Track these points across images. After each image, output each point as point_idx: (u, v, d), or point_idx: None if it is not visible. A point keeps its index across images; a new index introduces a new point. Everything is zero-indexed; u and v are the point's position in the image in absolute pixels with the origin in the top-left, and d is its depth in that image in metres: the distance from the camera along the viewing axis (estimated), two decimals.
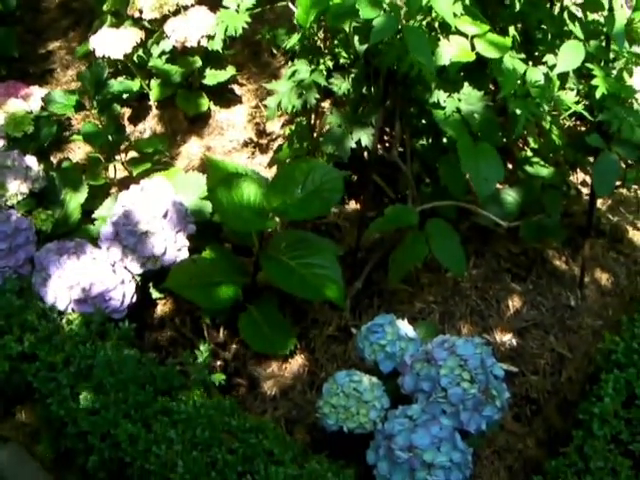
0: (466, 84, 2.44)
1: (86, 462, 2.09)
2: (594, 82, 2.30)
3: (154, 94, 3.43)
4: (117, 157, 2.95)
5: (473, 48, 2.31)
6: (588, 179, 2.98)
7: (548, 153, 2.75)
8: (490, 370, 2.07)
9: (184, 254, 2.51)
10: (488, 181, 2.29)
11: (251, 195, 2.33)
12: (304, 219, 2.77)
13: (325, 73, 2.57)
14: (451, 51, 2.28)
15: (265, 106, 2.82)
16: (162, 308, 2.69)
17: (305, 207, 2.31)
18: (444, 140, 2.61)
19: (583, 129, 2.90)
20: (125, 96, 3.31)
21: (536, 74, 2.36)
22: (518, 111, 2.32)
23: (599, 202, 3.19)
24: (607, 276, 2.90)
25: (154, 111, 3.54)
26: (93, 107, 2.84)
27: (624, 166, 2.63)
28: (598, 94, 2.29)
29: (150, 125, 3.50)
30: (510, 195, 2.71)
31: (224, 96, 3.58)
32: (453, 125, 2.35)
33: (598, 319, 2.74)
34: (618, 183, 2.67)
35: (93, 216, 2.75)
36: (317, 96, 2.57)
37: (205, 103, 3.44)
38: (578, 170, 2.87)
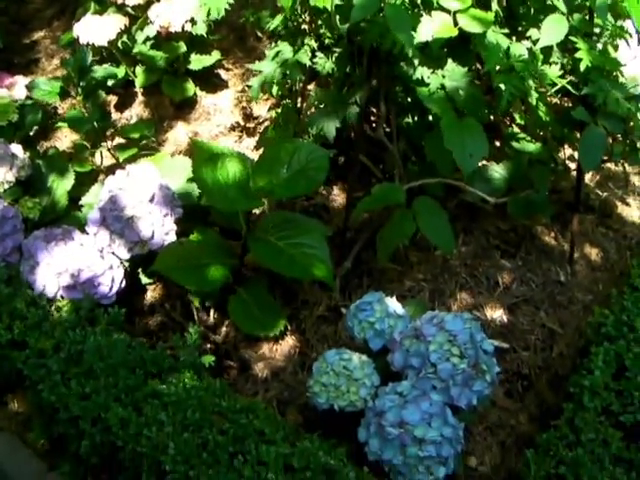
0: (450, 60, 2.43)
1: (78, 448, 2.09)
2: (578, 55, 2.29)
3: (139, 80, 3.42)
4: (103, 143, 2.94)
5: (456, 24, 2.30)
6: (576, 154, 2.96)
7: (535, 129, 2.75)
8: (479, 345, 2.07)
9: (172, 238, 2.50)
10: (473, 157, 2.28)
11: (237, 175, 2.32)
12: (290, 198, 2.78)
13: (310, 54, 2.56)
14: (433, 27, 2.26)
15: (250, 87, 2.80)
16: (152, 293, 2.69)
17: (291, 186, 2.31)
18: (430, 118, 2.61)
19: (570, 105, 2.90)
20: (111, 83, 3.34)
21: (520, 49, 2.35)
22: (502, 86, 2.31)
23: (588, 178, 3.19)
24: (597, 251, 2.90)
25: (140, 98, 3.53)
26: (78, 94, 2.83)
27: (611, 140, 2.63)
28: (582, 67, 2.28)
29: (136, 112, 3.50)
30: (497, 172, 2.71)
31: (210, 81, 3.57)
32: (437, 102, 2.34)
33: (588, 294, 2.74)
34: (605, 158, 2.67)
35: (80, 203, 2.74)
36: (301, 76, 2.57)
37: (191, 88, 3.43)
38: (566, 146, 2.86)
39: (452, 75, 2.39)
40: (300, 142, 2.41)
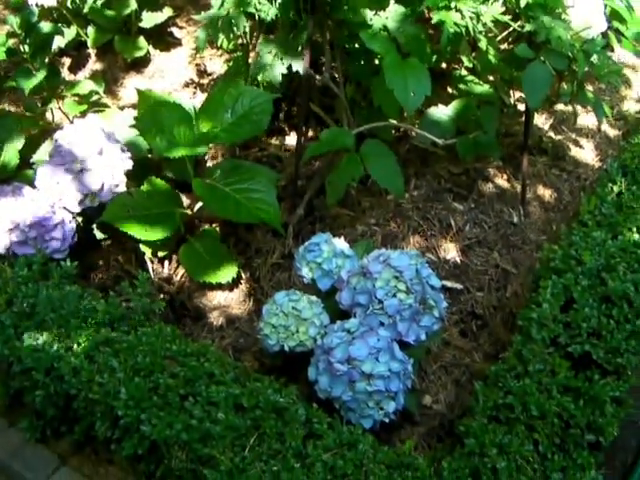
0: (393, 1, 2.42)
1: (35, 400, 2.09)
2: None
3: (91, 41, 3.41)
4: (54, 102, 2.92)
5: None
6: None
7: (484, 72, 2.75)
8: (426, 281, 2.08)
9: (122, 189, 2.50)
10: (415, 95, 2.29)
11: (181, 121, 2.32)
12: (234, 142, 2.79)
13: (255, 1, 2.55)
14: None
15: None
16: (107, 249, 2.68)
17: (235, 131, 2.31)
18: (376, 62, 2.61)
19: None
20: (63, 45, 3.31)
21: None
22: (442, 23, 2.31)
23: (541, 122, 3.21)
24: (550, 192, 2.92)
25: (93, 58, 3.52)
26: (24, 52, 2.80)
27: (559, 82, 2.64)
28: (522, 2, 2.29)
29: (90, 72, 3.48)
30: (446, 114, 2.72)
31: (163, 39, 3.56)
32: (380, 42, 2.34)
33: (542, 234, 2.76)
34: (554, 100, 2.67)
35: (31, 161, 2.72)
36: (246, 24, 2.56)
37: (144, 47, 3.42)
38: (515, 89, 2.86)
39: (395, 16, 2.40)
40: (244, 87, 2.40)
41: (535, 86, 2.39)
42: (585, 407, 1.99)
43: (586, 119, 3.28)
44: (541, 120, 3.22)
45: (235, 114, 2.33)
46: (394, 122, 2.57)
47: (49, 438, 2.21)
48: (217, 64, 3.40)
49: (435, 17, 2.30)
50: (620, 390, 2.03)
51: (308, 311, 2.12)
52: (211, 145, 2.91)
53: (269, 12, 2.52)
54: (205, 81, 3.36)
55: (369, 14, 2.40)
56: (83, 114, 2.84)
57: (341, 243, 2.25)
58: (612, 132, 3.28)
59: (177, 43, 3.57)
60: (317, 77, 2.54)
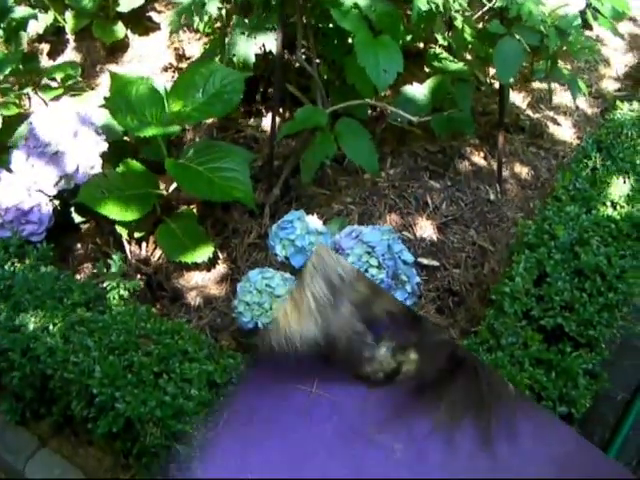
0: None
1: (12, 382, 2.10)
2: None
3: (70, 26, 3.40)
4: (30, 87, 2.92)
5: None
6: None
7: (459, 50, 2.76)
8: (398, 256, 2.10)
9: (97, 171, 2.50)
10: (387, 72, 2.29)
11: (152, 101, 2.32)
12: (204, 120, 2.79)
13: None
14: None
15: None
16: (85, 232, 2.69)
17: (207, 109, 2.31)
18: (350, 41, 2.60)
19: None
20: (42, 31, 3.30)
21: None
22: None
23: (519, 100, 3.22)
24: (527, 170, 2.93)
25: (72, 44, 3.50)
26: None
27: (533, 59, 2.65)
28: None
29: (69, 58, 3.46)
30: (421, 93, 2.72)
31: (142, 23, 3.55)
32: (351, 20, 2.33)
33: (519, 211, 2.77)
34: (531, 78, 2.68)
35: (8, 145, 2.72)
36: (220, 5, 2.56)
37: (122, 31, 3.41)
38: (493, 67, 2.86)
39: None
40: (215, 66, 2.40)
41: (506, 62, 2.39)
42: (557, 379, 2.00)
43: (564, 98, 3.28)
44: (519, 98, 3.22)
45: (206, 93, 2.33)
46: (367, 101, 2.57)
47: (29, 420, 2.22)
48: (195, 48, 3.39)
49: None
50: (592, 362, 2.04)
51: (282, 288, 2.13)
52: (188, 128, 2.93)
53: None
54: (184, 65, 3.35)
55: None
56: (59, 98, 2.84)
57: (314, 220, 2.26)
58: (590, 110, 3.29)
59: (156, 27, 3.57)
60: (291, 58, 2.55)
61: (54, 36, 3.51)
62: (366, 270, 2.05)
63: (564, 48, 2.60)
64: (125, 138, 2.71)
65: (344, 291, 1.79)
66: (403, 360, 2.05)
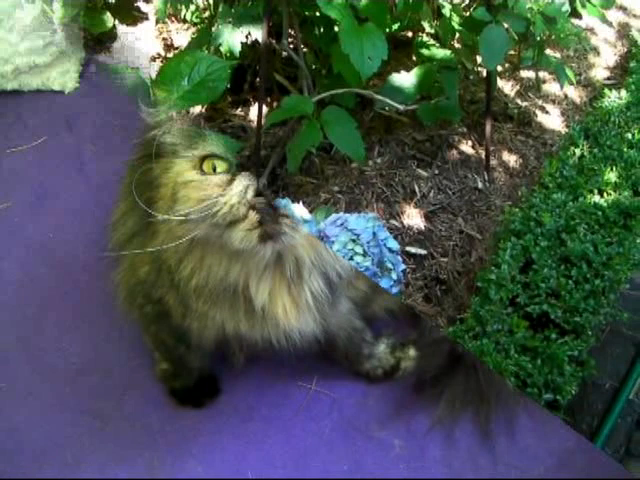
0: None
1: None
2: None
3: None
4: None
5: None
6: None
7: (446, 38, 2.75)
8: (384, 243, 2.09)
9: None
10: (372, 60, 2.27)
11: (136, 89, 2.31)
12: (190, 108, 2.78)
13: None
14: None
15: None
16: None
17: (192, 97, 2.29)
18: (336, 29, 2.60)
19: None
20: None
21: None
22: None
23: (507, 88, 3.21)
24: (515, 158, 2.92)
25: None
26: None
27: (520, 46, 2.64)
28: None
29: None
30: (408, 81, 2.70)
31: (130, 13, 3.53)
32: (336, 7, 2.32)
33: (507, 200, 2.76)
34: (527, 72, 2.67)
35: None
36: None
37: (110, 21, 3.39)
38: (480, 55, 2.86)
39: None
40: (200, 55, 2.39)
41: (492, 49, 2.38)
42: (543, 366, 2.01)
43: (553, 86, 3.28)
44: (507, 87, 3.22)
45: (191, 81, 2.32)
46: (353, 89, 2.56)
47: None
48: (184, 38, 3.38)
49: None
50: (578, 349, 2.05)
51: None
52: (176, 117, 2.91)
53: None
54: (172, 55, 3.34)
55: None
56: None
57: (299, 208, 2.25)
58: (579, 99, 3.28)
59: (144, 17, 3.55)
60: (277, 46, 2.54)
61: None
62: (351, 258, 2.04)
63: (552, 37, 2.60)
64: None
65: (342, 288, 1.79)
66: (402, 357, 2.07)
